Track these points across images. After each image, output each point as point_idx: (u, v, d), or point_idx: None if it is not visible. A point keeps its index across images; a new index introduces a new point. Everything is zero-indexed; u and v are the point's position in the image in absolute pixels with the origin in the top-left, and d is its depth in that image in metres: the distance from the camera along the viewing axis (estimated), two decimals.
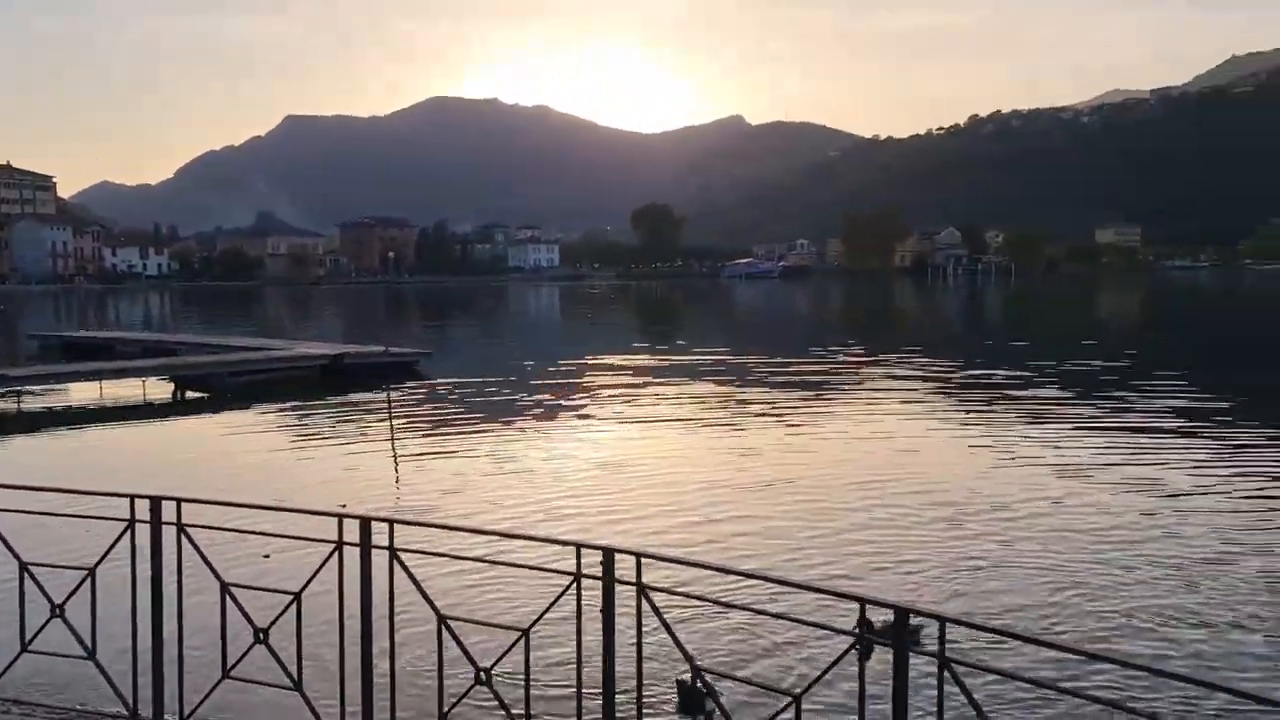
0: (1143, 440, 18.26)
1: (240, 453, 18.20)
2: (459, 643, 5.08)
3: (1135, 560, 10.82)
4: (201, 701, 5.60)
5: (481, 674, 4.95)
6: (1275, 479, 15.09)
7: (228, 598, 5.43)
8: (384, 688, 5.40)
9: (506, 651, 5.00)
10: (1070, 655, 7.57)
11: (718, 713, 4.69)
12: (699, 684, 4.71)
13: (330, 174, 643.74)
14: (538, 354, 40.61)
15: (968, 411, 22.81)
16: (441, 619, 5.06)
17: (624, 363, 34.89)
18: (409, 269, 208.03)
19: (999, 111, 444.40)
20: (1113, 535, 11.84)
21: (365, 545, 5.12)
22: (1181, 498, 13.77)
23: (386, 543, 5.07)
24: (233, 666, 5.50)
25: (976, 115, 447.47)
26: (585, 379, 30.21)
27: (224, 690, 5.65)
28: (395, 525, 5.16)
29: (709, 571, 7.57)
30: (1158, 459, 16.42)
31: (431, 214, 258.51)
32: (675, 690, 6.88)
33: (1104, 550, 11.18)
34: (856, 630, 4.12)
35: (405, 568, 5.09)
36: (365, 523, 5.15)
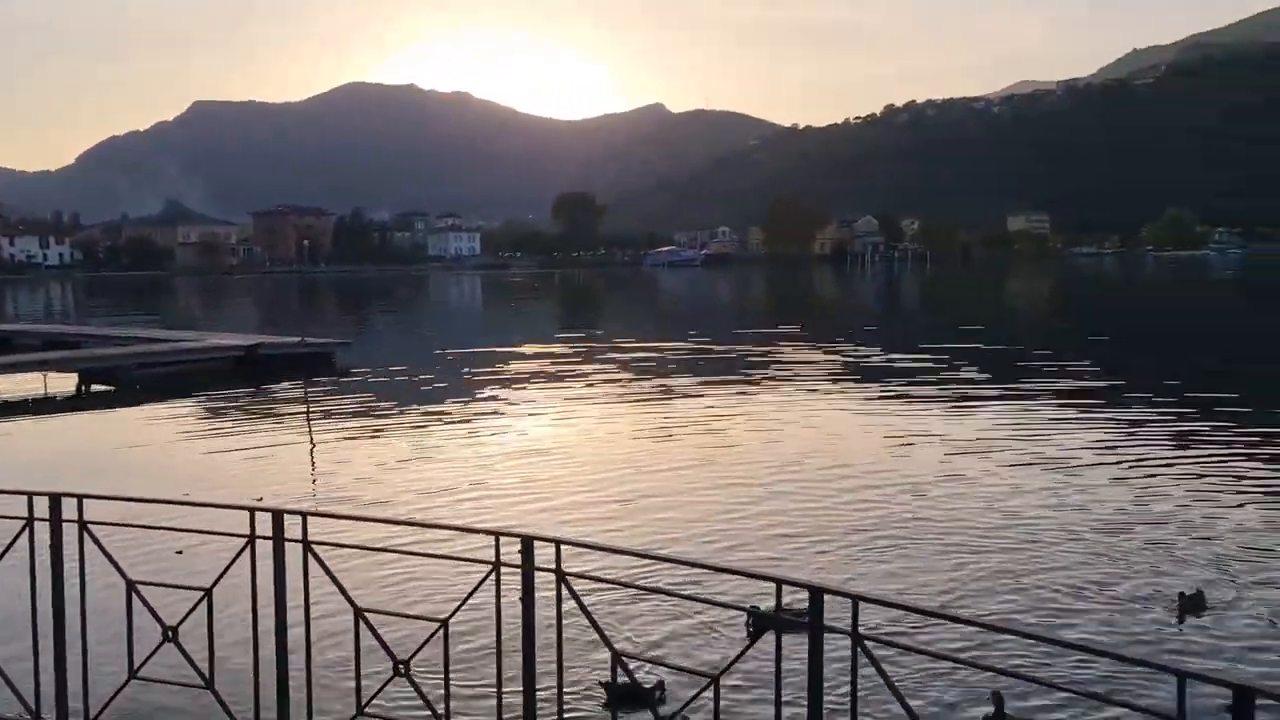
0: (1045, 419, 18.90)
1: (149, 447, 17.68)
2: (376, 636, 5.01)
3: (1039, 534, 11.23)
4: (108, 703, 5.44)
5: (400, 666, 4.90)
6: (1167, 454, 15.75)
7: (134, 596, 5.28)
8: (300, 684, 5.31)
9: (425, 643, 4.96)
10: (976, 628, 7.80)
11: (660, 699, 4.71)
12: (630, 678, 4.73)
13: (243, 161, 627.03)
14: (459, 343, 40.20)
15: (882, 394, 23.28)
16: (358, 612, 4.99)
17: (546, 351, 34.78)
18: (325, 258, 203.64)
19: (914, 101, 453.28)
20: (1018, 511, 12.24)
21: (278, 539, 5.01)
22: (1081, 473, 14.29)
23: (300, 536, 4.98)
24: (140, 666, 5.35)
25: (892, 105, 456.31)
26: (507, 367, 30.04)
27: (132, 690, 5.50)
28: (309, 518, 5.06)
29: (628, 557, 7.64)
30: (1059, 438, 16.99)
31: (348, 202, 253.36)
32: (604, 686, 6.88)
33: (1010, 525, 11.58)
34: (773, 611, 4.19)
35: (320, 561, 5.01)
36: (278, 516, 5.04)
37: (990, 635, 7.70)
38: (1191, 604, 8.79)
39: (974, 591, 9.47)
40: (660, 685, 6.64)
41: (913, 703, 4.40)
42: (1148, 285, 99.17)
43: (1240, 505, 12.62)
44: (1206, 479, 14.05)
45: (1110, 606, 9.09)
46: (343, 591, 5.02)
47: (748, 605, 6.69)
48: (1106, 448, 16.29)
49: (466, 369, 29.37)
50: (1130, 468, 14.77)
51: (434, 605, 7.56)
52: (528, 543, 4.66)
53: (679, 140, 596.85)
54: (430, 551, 6.31)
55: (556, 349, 35.68)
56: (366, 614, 5.03)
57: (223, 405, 22.68)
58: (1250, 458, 15.44)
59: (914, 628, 7.94)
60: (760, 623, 4.20)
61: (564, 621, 4.67)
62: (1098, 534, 11.29)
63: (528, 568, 4.65)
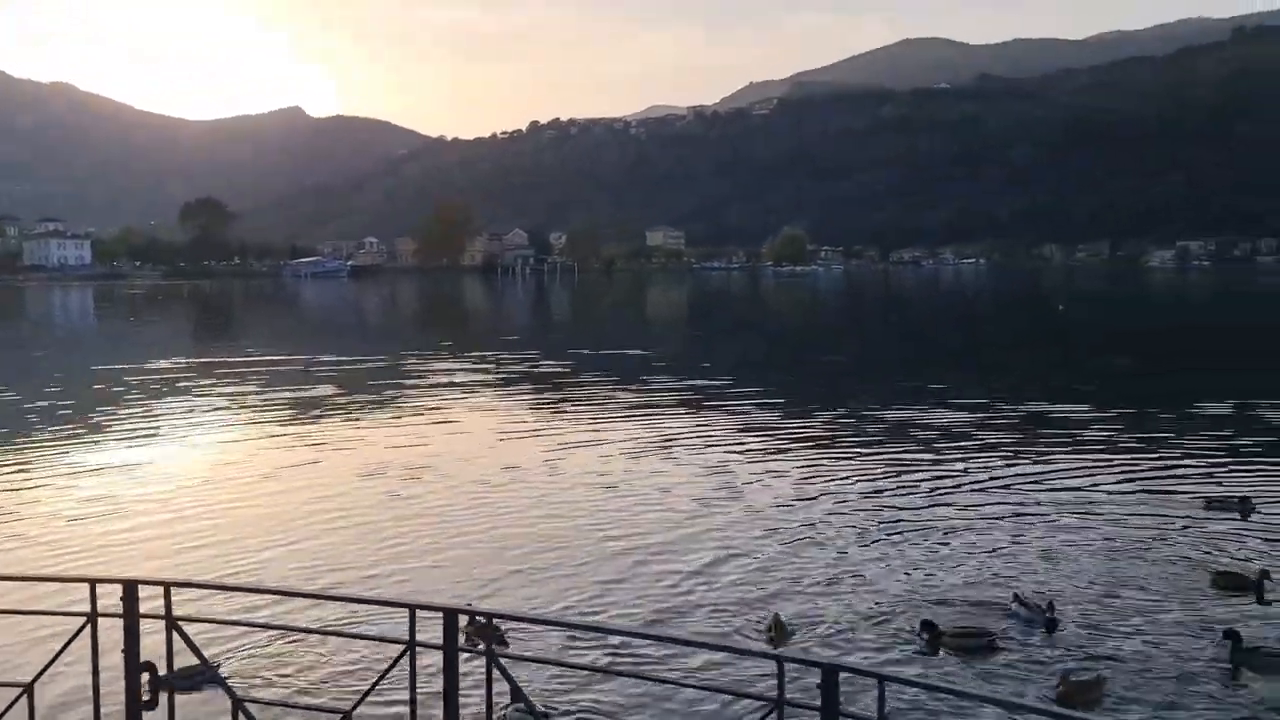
0: (672, 423, 20.24)
1: None
2: None
3: (652, 539, 11.93)
4: None
5: None
6: (764, 452, 17.44)
7: None
8: None
9: None
10: (609, 634, 8.12)
11: None
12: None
13: None
14: (65, 364, 35.76)
15: (520, 405, 23.71)
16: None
17: (166, 368, 31.85)
18: None
19: (558, 119, 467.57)
20: (658, 519, 12.94)
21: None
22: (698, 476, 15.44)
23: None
24: None
25: (537, 122, 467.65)
26: (121, 390, 27.10)
27: None
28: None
29: (250, 594, 7.10)
30: (700, 443, 18.28)
31: None
32: None
33: (628, 535, 12.12)
34: (407, 638, 4.06)
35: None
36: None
37: (607, 638, 8.01)
38: (776, 629, 8.92)
39: (609, 601, 9.70)
40: None
41: (550, 714, 4.47)
42: (763, 298, 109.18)
43: (816, 498, 14.21)
44: (808, 476, 15.69)
45: (712, 603, 9.67)
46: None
47: (379, 634, 6.46)
48: (731, 449, 17.69)
49: (73, 394, 26.12)
50: (739, 467, 16.13)
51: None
52: (130, 587, 4.18)
53: (321, 146, 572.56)
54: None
55: (176, 366, 32.77)
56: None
57: None
58: (823, 449, 17.47)
59: (552, 642, 8.04)
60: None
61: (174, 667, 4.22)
62: (698, 534, 12.17)
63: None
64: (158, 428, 20.28)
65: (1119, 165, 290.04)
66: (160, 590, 4.15)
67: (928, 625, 8.76)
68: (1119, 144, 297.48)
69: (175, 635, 4.10)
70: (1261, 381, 26.68)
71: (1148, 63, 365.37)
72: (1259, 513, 12.91)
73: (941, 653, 8.41)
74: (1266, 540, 11.83)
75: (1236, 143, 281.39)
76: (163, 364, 33.43)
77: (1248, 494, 13.58)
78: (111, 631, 4.14)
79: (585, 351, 35.81)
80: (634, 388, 25.87)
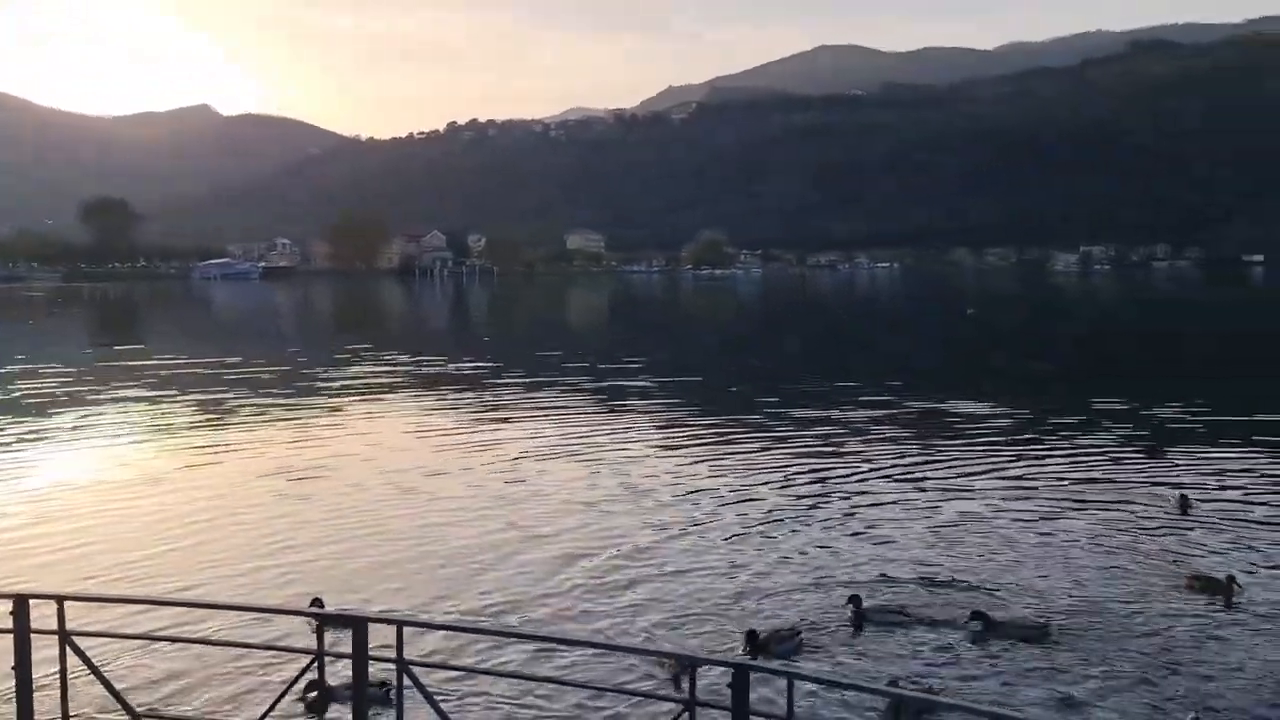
0: (589, 424, 20.27)
1: None
2: None
3: (555, 542, 11.95)
4: None
5: None
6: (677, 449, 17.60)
7: None
8: None
9: None
10: (521, 640, 8.08)
11: None
12: None
13: None
14: None
15: (429, 409, 23.46)
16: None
17: (63, 373, 30.68)
18: None
19: (476, 120, 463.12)
20: (562, 521, 12.93)
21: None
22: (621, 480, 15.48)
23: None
24: None
25: (455, 123, 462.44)
26: (9, 397, 25.98)
27: None
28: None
29: (150, 606, 6.87)
30: (610, 445, 18.32)
31: None
32: None
33: (527, 538, 12.14)
34: (315, 648, 3.98)
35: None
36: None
37: (520, 643, 7.99)
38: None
39: (516, 604, 9.66)
40: None
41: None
42: (683, 301, 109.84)
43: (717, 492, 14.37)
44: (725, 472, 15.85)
45: (620, 609, 9.71)
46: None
47: (286, 644, 6.35)
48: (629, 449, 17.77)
49: None
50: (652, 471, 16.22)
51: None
52: (21, 602, 4.02)
53: (231, 146, 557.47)
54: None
55: (73, 372, 31.60)
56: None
57: None
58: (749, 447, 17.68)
59: (464, 649, 7.95)
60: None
61: (70, 683, 4.07)
62: (614, 535, 12.23)
63: (22, 630, 3.99)
64: (53, 434, 19.56)
65: (1022, 173, 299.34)
66: (53, 604, 4.00)
67: (978, 616, 9.14)
68: (1023, 152, 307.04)
69: (69, 651, 3.96)
70: (1163, 386, 27.83)
71: (1050, 74, 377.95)
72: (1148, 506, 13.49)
73: (866, 629, 8.74)
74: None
75: (1131, 152, 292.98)
76: (59, 368, 32.20)
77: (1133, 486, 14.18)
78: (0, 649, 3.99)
79: (499, 355, 35.60)
80: (545, 390, 25.85)
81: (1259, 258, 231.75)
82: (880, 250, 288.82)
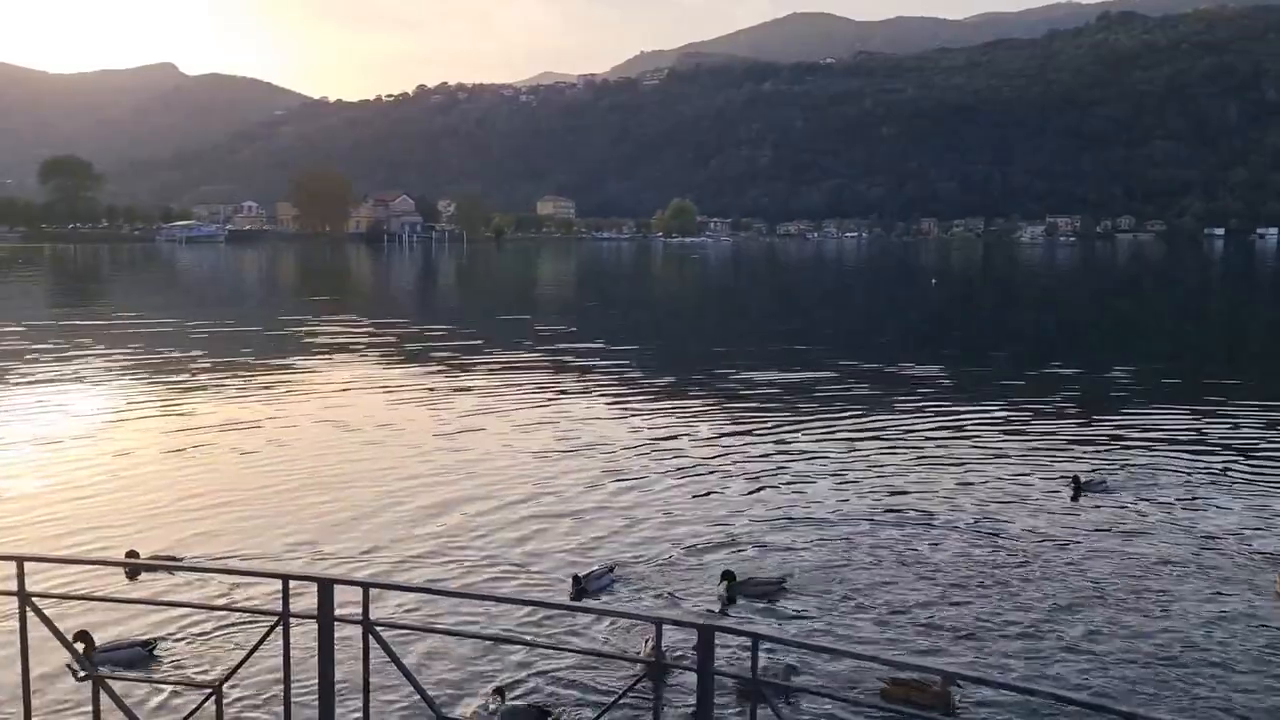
0: (550, 388, 20.29)
1: None
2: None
3: (508, 505, 12.01)
4: None
5: None
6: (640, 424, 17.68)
7: None
8: None
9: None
10: (486, 601, 8.13)
11: None
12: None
13: None
14: None
15: (396, 373, 23.34)
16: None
17: (19, 332, 30.20)
18: None
19: (445, 84, 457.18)
20: (523, 483, 12.99)
21: None
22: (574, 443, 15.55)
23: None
24: None
25: (425, 85, 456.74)
26: None
27: None
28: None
29: (113, 569, 6.82)
30: (557, 413, 18.37)
31: None
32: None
33: (498, 508, 12.20)
34: (280, 610, 3.96)
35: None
36: None
37: (486, 605, 8.04)
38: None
39: (471, 566, 9.69)
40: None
41: (423, 682, 4.43)
42: (654, 270, 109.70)
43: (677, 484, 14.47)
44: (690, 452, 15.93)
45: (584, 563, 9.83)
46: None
47: (252, 606, 6.32)
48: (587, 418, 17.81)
49: None
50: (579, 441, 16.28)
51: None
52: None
53: (195, 106, 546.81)
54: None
55: (31, 331, 31.12)
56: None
57: None
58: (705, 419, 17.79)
59: (430, 611, 7.98)
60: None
61: (30, 645, 4.03)
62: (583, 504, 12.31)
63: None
64: (8, 396, 19.25)
65: (989, 144, 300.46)
66: (13, 566, 3.96)
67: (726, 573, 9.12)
68: (990, 123, 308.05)
69: (30, 613, 3.92)
70: (1127, 361, 28.26)
71: (1017, 45, 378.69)
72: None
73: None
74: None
75: (1097, 124, 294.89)
76: (14, 328, 31.69)
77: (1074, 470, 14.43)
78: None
79: (464, 320, 35.42)
80: (509, 355, 25.77)
81: (1219, 230, 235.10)
82: (849, 220, 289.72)
